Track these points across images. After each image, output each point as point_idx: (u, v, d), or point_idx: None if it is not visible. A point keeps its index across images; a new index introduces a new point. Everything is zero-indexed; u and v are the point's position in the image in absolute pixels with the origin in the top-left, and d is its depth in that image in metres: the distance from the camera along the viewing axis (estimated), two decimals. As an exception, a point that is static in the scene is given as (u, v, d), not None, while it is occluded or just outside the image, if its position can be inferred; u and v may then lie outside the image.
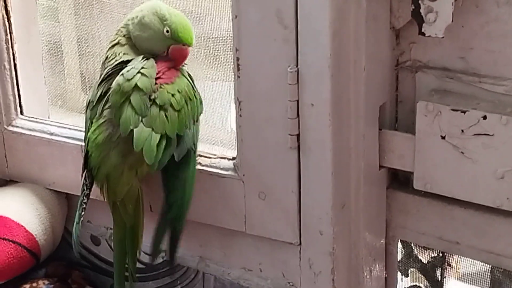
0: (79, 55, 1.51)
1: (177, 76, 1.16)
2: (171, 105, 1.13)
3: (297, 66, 1.08)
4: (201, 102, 1.19)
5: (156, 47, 1.17)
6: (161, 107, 1.13)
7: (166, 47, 1.16)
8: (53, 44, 1.51)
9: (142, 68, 1.13)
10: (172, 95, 1.14)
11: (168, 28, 1.14)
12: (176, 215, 1.18)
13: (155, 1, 1.19)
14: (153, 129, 1.12)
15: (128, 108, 1.12)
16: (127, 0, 1.39)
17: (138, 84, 1.12)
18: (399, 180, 1.21)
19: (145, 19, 1.16)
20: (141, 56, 1.15)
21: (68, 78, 1.54)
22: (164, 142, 1.13)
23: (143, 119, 1.12)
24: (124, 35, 1.18)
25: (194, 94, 1.18)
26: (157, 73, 1.14)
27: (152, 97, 1.12)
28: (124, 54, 1.17)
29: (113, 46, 1.19)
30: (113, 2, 1.40)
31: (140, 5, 1.20)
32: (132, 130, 1.11)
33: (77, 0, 1.46)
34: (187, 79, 1.18)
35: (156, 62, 1.15)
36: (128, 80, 1.12)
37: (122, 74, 1.13)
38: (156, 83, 1.13)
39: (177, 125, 1.14)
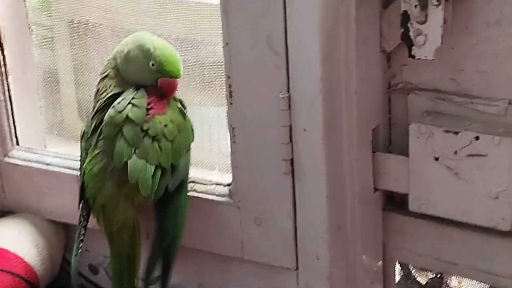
0: (75, 84, 1.52)
1: (169, 105, 1.16)
2: (164, 136, 1.14)
3: (288, 91, 1.08)
4: (192, 130, 1.20)
5: (144, 80, 1.16)
6: (154, 138, 1.13)
7: (154, 80, 1.16)
8: (49, 73, 1.52)
9: (133, 98, 1.14)
10: (165, 125, 1.14)
11: (153, 62, 1.14)
12: (171, 243, 1.18)
13: (139, 34, 1.19)
14: (147, 160, 1.12)
15: (121, 140, 1.12)
16: (122, 29, 1.40)
17: (130, 115, 1.12)
18: (395, 202, 1.21)
19: (130, 54, 1.16)
20: (132, 87, 1.16)
21: (64, 107, 1.54)
22: (159, 173, 1.13)
23: (137, 151, 1.12)
24: (113, 67, 1.18)
25: (186, 123, 1.18)
26: (148, 104, 1.14)
27: (145, 128, 1.13)
28: (114, 86, 1.17)
29: (103, 78, 1.19)
30: (107, 32, 1.41)
31: (126, 38, 1.20)
32: (126, 162, 1.12)
33: (72, 29, 1.47)
34: (179, 108, 1.18)
35: (147, 92, 1.16)
36: (120, 112, 1.13)
37: (114, 106, 1.14)
38: (148, 114, 1.14)
39: (171, 155, 1.14)
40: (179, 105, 1.19)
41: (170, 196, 1.16)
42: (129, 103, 1.13)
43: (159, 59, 1.14)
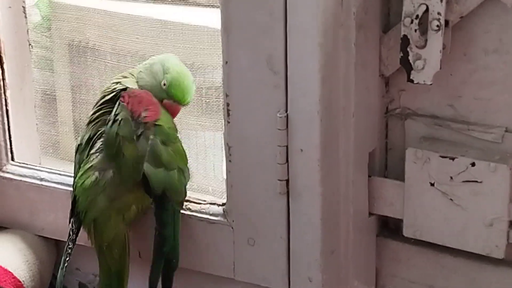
0: (72, 103, 1.52)
1: (160, 108, 1.18)
2: (171, 139, 1.15)
3: (286, 111, 1.08)
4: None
5: (152, 93, 1.19)
6: (163, 143, 1.14)
7: (160, 98, 1.19)
8: (47, 94, 1.52)
9: (115, 115, 1.15)
10: (168, 127, 1.16)
11: (165, 81, 1.17)
12: (172, 248, 1.17)
13: (170, 55, 1.23)
14: (166, 168, 1.14)
15: (124, 160, 1.13)
16: (122, 49, 1.41)
17: (120, 133, 1.14)
18: (389, 228, 1.20)
19: (153, 66, 1.19)
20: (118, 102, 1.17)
21: (61, 126, 1.54)
22: (182, 176, 1.16)
23: (150, 160, 1.13)
24: (130, 73, 1.21)
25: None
26: (142, 109, 1.15)
27: (150, 135, 1.14)
28: (118, 83, 1.19)
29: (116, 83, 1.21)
30: (107, 50, 1.42)
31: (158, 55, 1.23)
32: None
33: (71, 48, 1.48)
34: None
35: (139, 98, 1.16)
36: (108, 133, 1.14)
37: (105, 130, 1.15)
38: (147, 121, 1.14)
39: (184, 155, 1.17)
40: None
41: (169, 201, 1.16)
42: (114, 121, 1.14)
43: (170, 80, 1.17)
